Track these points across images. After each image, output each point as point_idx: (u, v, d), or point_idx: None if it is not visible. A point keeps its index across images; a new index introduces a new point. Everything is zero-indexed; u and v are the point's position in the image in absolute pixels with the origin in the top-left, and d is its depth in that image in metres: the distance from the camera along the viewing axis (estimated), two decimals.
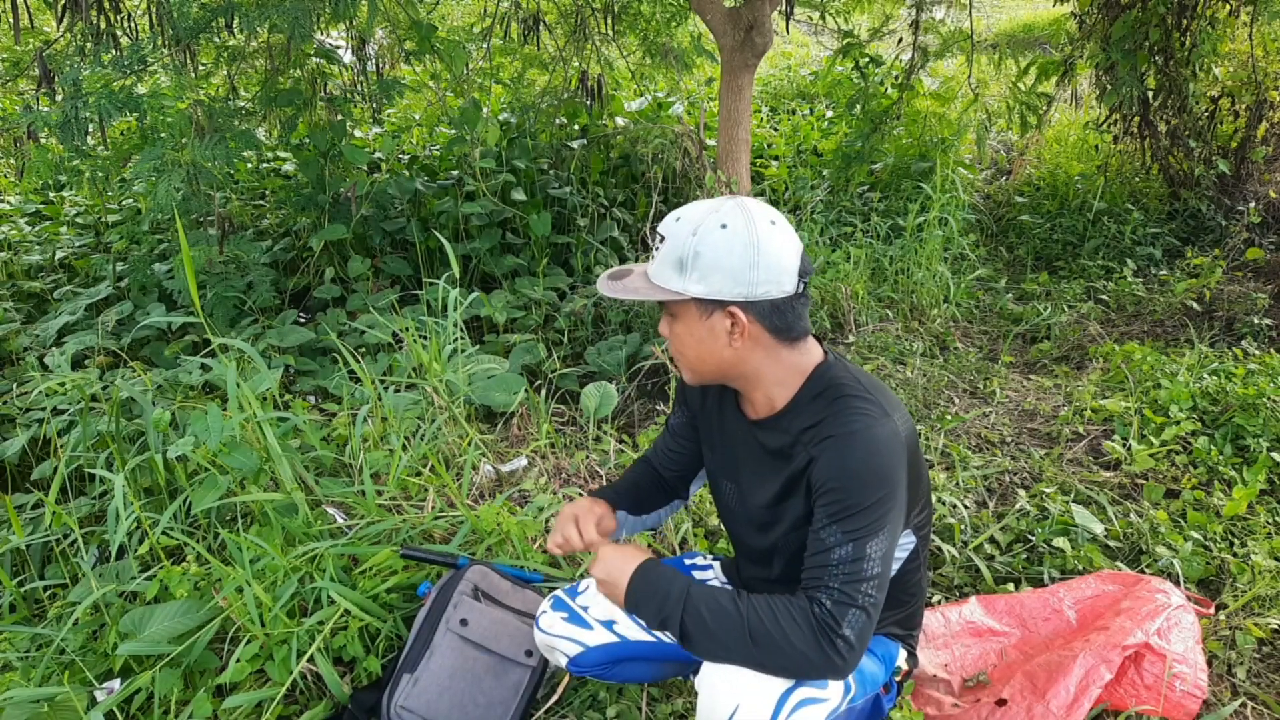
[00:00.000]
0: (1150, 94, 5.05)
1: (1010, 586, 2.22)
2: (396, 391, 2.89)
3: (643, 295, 1.34)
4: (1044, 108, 5.30)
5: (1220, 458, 2.71)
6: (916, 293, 4.27)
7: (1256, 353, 3.48)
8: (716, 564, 1.79)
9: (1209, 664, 1.89)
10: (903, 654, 1.60)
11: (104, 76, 3.32)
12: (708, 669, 1.34)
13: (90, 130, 3.41)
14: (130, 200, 5.15)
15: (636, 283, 1.36)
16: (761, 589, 1.41)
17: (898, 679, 1.61)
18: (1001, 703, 1.74)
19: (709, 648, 1.30)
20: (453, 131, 4.84)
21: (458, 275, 2.88)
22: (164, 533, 2.14)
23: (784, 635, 1.25)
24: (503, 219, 4.69)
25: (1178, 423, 2.89)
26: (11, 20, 3.51)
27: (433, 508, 2.39)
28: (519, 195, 4.63)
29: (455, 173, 4.95)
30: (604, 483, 2.74)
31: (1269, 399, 2.88)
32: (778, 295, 1.31)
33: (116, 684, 1.84)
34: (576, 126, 5.37)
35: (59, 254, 4.91)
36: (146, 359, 3.77)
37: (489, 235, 4.49)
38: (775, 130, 6.94)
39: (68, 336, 3.81)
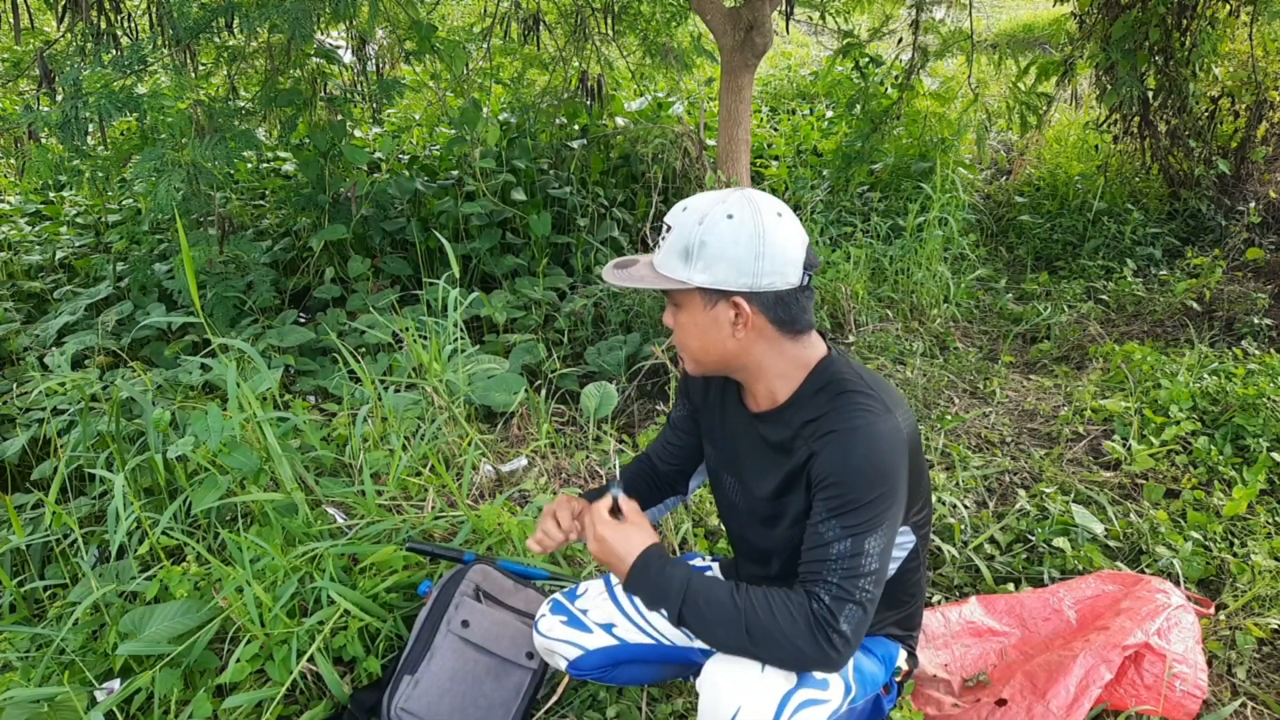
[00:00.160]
0: (1150, 94, 5.05)
1: (1010, 586, 2.22)
2: (396, 391, 2.89)
3: (648, 284, 1.34)
4: (1044, 108, 5.29)
5: (1220, 458, 2.71)
6: (916, 293, 4.27)
7: (1256, 353, 3.48)
8: (715, 565, 1.78)
9: (1209, 664, 1.89)
10: (903, 654, 1.60)
11: (104, 76, 3.31)
12: (709, 670, 1.34)
13: (90, 130, 3.41)
14: (130, 200, 5.15)
15: (642, 271, 1.37)
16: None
17: (898, 679, 1.61)
18: (1001, 703, 1.74)
19: (705, 637, 1.32)
20: (453, 131, 4.83)
21: (458, 275, 2.88)
22: (164, 533, 2.14)
23: (780, 630, 1.26)
24: (503, 219, 4.69)
25: (1178, 423, 2.89)
26: (12, 20, 3.51)
27: (433, 508, 2.39)
28: (519, 195, 4.63)
29: (455, 173, 4.95)
30: (604, 483, 2.74)
31: (1269, 399, 2.88)
32: (782, 287, 1.32)
33: (116, 684, 1.84)
34: (576, 126, 5.37)
35: (59, 254, 4.91)
36: (146, 359, 3.77)
37: (489, 235, 4.49)
38: (775, 130, 6.94)
39: (68, 336, 3.82)
